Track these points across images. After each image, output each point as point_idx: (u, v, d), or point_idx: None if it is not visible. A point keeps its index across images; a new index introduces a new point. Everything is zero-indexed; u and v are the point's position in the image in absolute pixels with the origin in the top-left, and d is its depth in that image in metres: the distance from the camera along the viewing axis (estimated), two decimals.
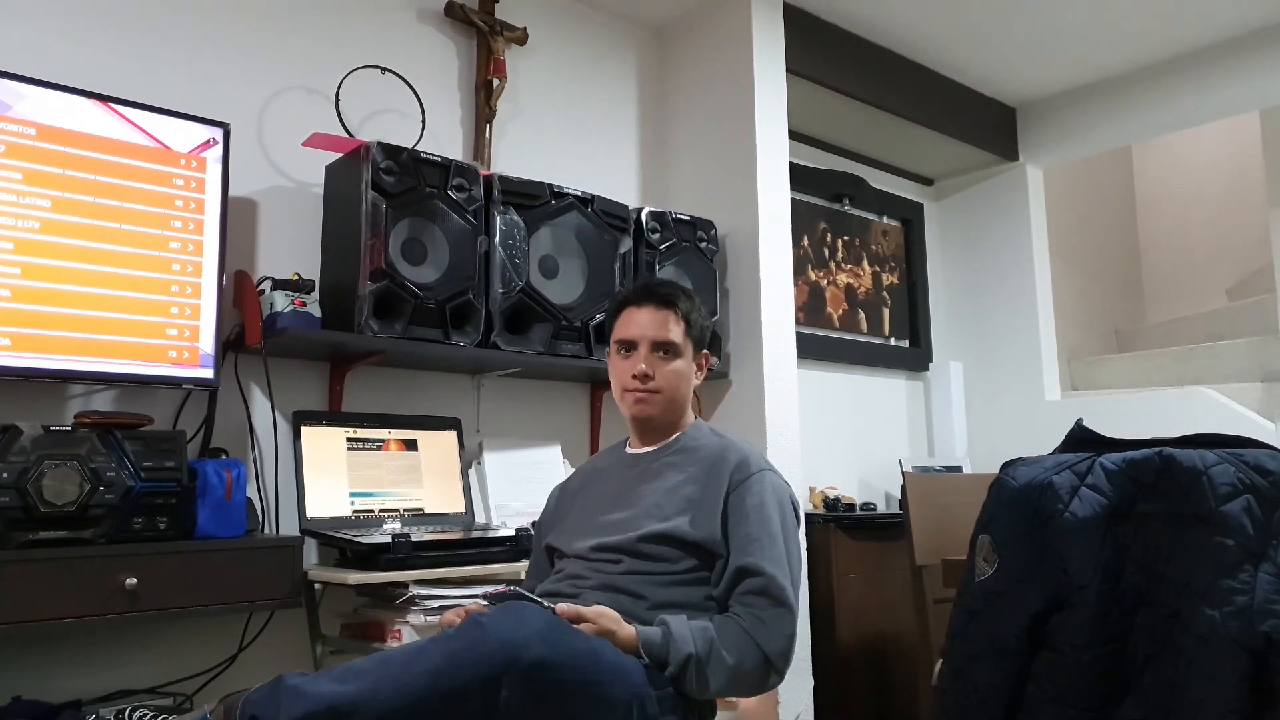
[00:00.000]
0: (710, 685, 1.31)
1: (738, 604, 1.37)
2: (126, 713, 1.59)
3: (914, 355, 3.57)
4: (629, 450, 1.62)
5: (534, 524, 1.73)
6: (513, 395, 2.41)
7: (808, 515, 2.63)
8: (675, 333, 1.55)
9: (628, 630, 1.32)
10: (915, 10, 2.87)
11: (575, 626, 1.28)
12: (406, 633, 1.74)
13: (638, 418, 1.57)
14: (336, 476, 1.96)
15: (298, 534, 1.85)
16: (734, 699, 1.55)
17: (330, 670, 1.14)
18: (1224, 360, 3.48)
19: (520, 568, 1.92)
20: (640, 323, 1.56)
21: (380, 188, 1.91)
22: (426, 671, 1.10)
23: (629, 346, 1.56)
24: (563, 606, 1.31)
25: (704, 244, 2.50)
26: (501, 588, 1.34)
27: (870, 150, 3.49)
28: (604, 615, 1.32)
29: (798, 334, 2.63)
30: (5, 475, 1.46)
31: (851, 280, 3.42)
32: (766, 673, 1.34)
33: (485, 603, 1.34)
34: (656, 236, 2.40)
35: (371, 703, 1.06)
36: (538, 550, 1.65)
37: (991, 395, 3.54)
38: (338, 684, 1.09)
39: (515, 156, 2.49)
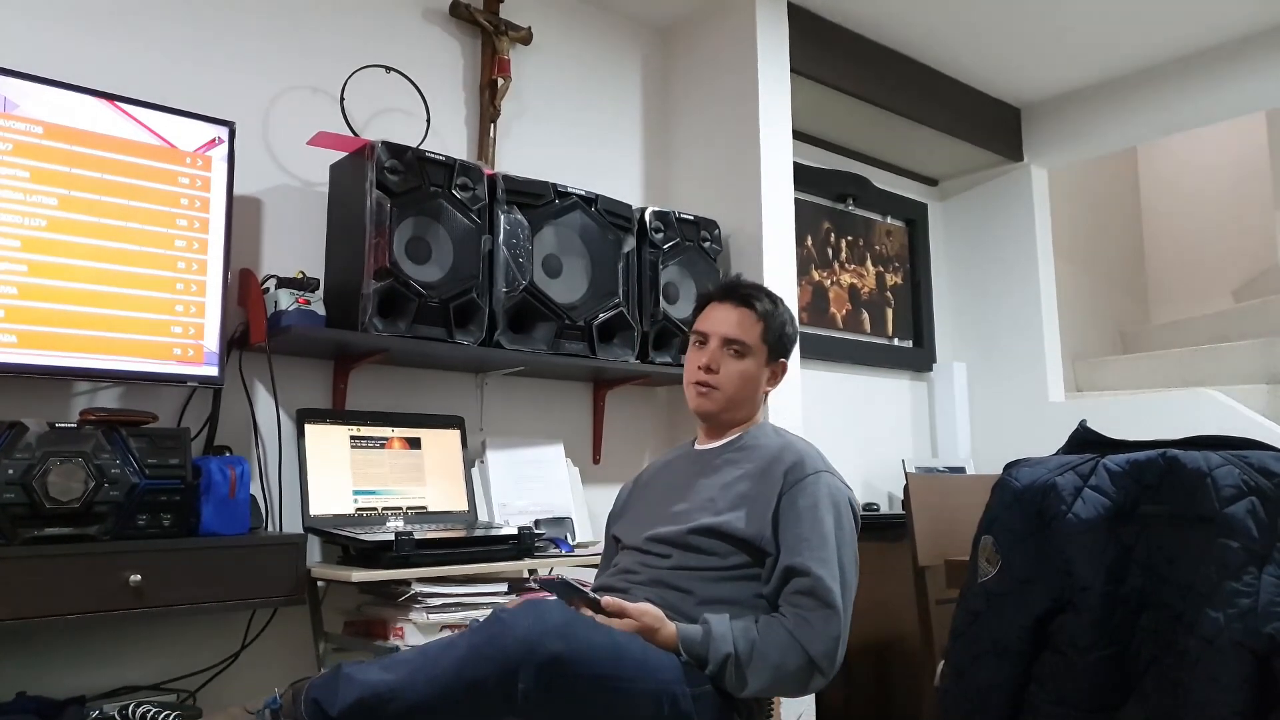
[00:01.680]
0: (750, 684, 1.32)
1: (785, 604, 1.38)
2: (130, 709, 1.59)
3: (917, 356, 3.56)
4: (696, 446, 1.64)
5: (608, 516, 1.75)
6: (516, 394, 2.41)
7: None
8: (749, 333, 1.55)
9: (669, 628, 1.34)
10: (920, 10, 2.86)
11: (613, 621, 1.31)
12: (409, 630, 1.75)
13: (696, 412, 1.59)
14: (340, 474, 1.96)
15: (301, 532, 1.86)
16: None
17: (382, 659, 1.26)
18: (1230, 362, 3.46)
19: (523, 566, 1.92)
20: (716, 318, 1.57)
21: (385, 187, 1.91)
22: (454, 662, 1.18)
23: (703, 339, 1.58)
24: (608, 600, 1.34)
25: (707, 244, 2.50)
26: (552, 575, 1.37)
27: (874, 150, 3.48)
28: (647, 614, 1.34)
29: (801, 334, 2.61)
30: (11, 472, 1.47)
31: (855, 280, 3.42)
32: (810, 674, 1.34)
33: (535, 585, 1.37)
34: (660, 236, 2.40)
35: (407, 690, 1.17)
36: (607, 541, 1.68)
37: (995, 396, 3.53)
38: (383, 673, 1.19)
39: (519, 156, 2.49)
